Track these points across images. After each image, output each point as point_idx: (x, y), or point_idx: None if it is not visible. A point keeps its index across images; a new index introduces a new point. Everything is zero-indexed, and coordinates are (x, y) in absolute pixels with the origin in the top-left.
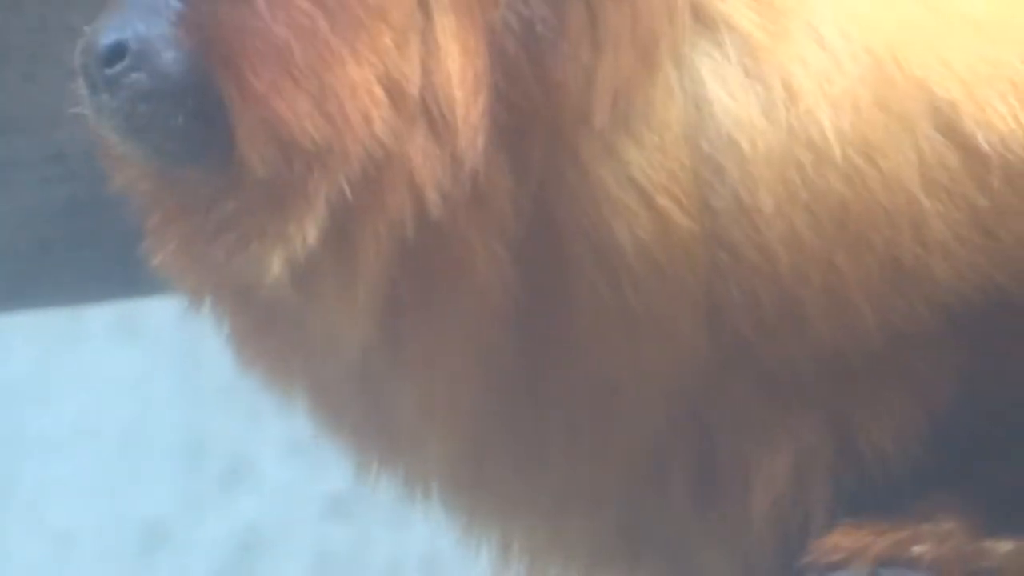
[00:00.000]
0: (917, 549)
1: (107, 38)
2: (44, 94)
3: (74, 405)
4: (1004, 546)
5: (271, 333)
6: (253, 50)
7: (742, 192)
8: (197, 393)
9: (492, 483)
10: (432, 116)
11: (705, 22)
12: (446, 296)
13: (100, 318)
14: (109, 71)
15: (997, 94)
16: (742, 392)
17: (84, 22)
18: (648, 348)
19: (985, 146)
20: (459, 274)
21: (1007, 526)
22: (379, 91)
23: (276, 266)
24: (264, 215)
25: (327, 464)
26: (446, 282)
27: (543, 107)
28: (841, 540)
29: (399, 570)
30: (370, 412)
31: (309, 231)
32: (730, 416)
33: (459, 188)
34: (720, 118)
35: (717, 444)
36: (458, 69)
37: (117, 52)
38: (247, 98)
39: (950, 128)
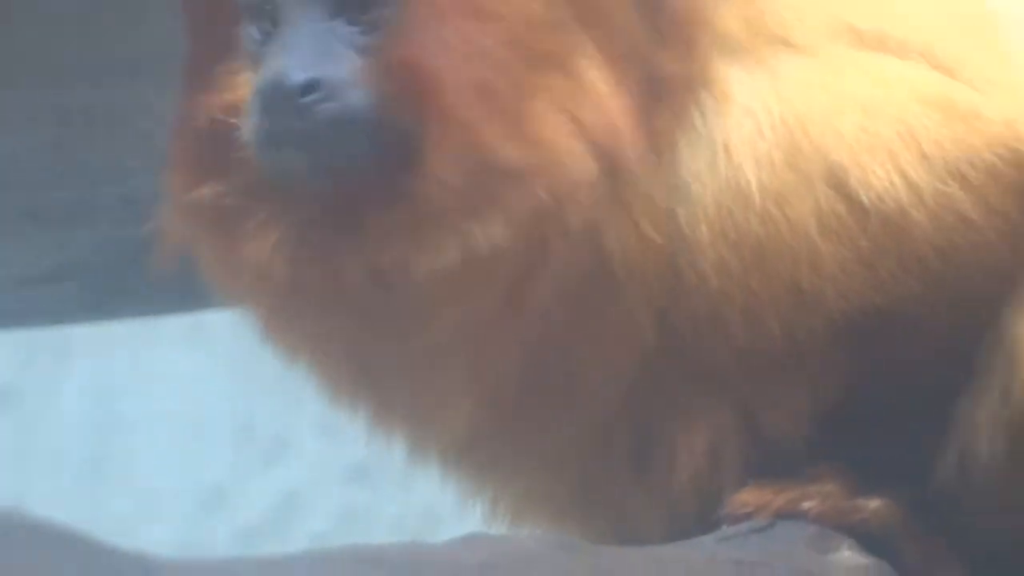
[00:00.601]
0: (806, 504)
1: (300, 75)
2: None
3: (153, 395)
4: (872, 503)
5: (329, 324)
6: (454, 87)
7: (687, 227)
8: (246, 387)
9: (485, 452)
10: (608, 147)
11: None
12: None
13: (172, 326)
14: (303, 100)
15: (876, 159)
16: (673, 383)
17: (153, 96)
18: (613, 340)
19: (866, 200)
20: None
21: (875, 487)
22: (567, 122)
23: (454, 256)
24: (449, 216)
25: (349, 440)
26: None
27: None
28: (748, 497)
29: (404, 523)
30: (406, 396)
31: (495, 232)
32: (663, 402)
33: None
34: (683, 168)
35: (651, 424)
36: (622, 105)
37: (311, 86)
38: (449, 122)
39: (840, 185)
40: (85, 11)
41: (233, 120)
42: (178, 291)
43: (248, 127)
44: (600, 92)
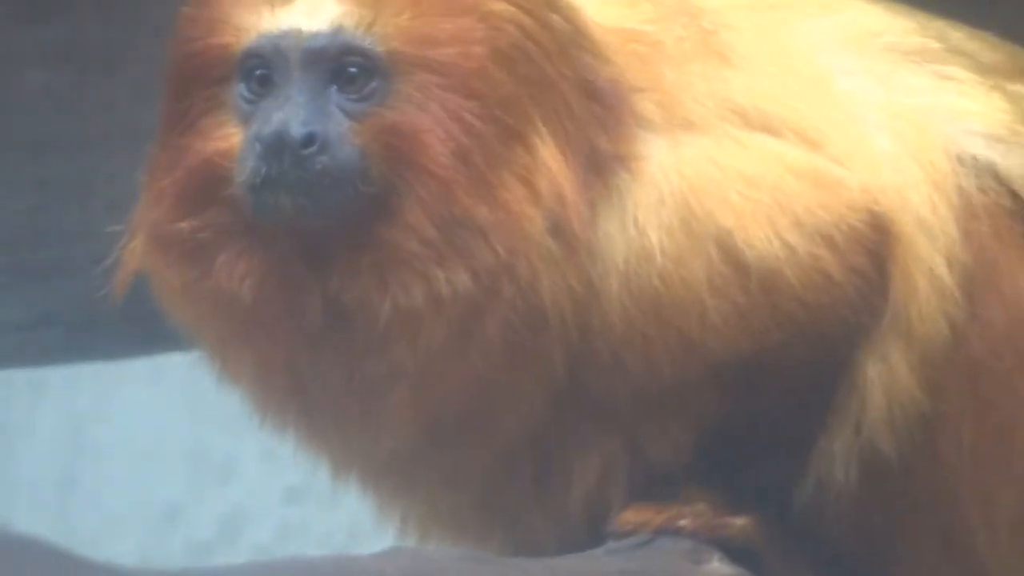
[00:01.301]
0: (682, 521)
1: (300, 130)
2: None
3: (116, 427)
4: (739, 520)
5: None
6: (437, 152)
7: (599, 281)
8: (198, 419)
9: (400, 474)
10: (554, 213)
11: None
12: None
13: (135, 368)
14: (303, 152)
15: (757, 225)
16: (574, 416)
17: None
18: (533, 376)
19: (748, 260)
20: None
21: (742, 507)
22: (525, 191)
23: (419, 297)
24: (420, 262)
25: (287, 465)
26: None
27: None
28: (632, 516)
29: (333, 537)
30: (338, 422)
31: (457, 282)
32: (563, 432)
33: (565, 268)
34: (600, 230)
35: (552, 451)
36: (567, 178)
37: (309, 140)
38: (429, 186)
39: (727, 247)
40: (63, 91)
41: (226, 164)
42: (140, 337)
43: (243, 171)
44: (552, 166)
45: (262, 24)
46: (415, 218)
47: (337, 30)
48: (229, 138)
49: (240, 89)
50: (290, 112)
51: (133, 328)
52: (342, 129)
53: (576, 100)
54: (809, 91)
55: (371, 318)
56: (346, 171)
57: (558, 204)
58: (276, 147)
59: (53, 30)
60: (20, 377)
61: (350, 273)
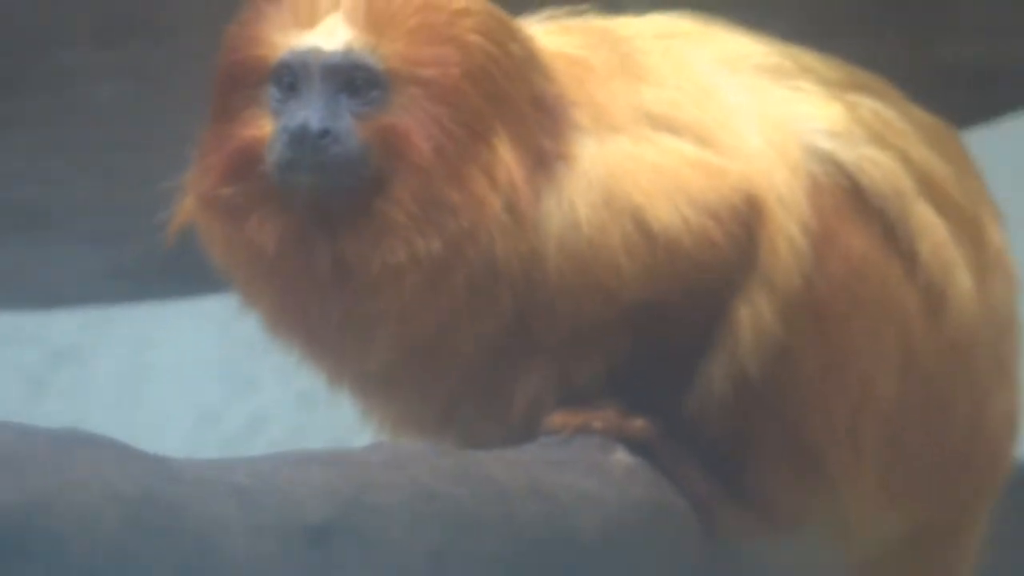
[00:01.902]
0: (595, 423)
1: (318, 124)
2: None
3: (168, 349)
4: (637, 422)
5: (304, 301)
6: (418, 147)
7: (541, 245)
8: (233, 344)
9: (383, 386)
10: (509, 197)
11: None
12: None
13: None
14: (320, 142)
15: (662, 203)
16: (517, 347)
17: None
18: (488, 317)
19: (654, 229)
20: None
21: (640, 413)
22: (487, 180)
23: (403, 256)
24: (405, 230)
25: (299, 377)
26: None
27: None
28: (558, 419)
29: (333, 435)
30: (336, 345)
31: (432, 246)
32: (509, 360)
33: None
34: (543, 208)
35: (499, 374)
36: (519, 171)
37: (325, 133)
38: (414, 173)
39: (638, 220)
40: (127, 102)
41: (260, 148)
42: (185, 283)
43: (273, 153)
44: (507, 161)
45: (291, 42)
46: (402, 197)
47: (349, 50)
48: (263, 128)
49: (272, 91)
50: (311, 111)
51: (180, 276)
52: (349, 127)
53: (528, 111)
54: (700, 101)
55: (366, 270)
56: (351, 159)
57: (511, 190)
58: (299, 137)
59: (120, 54)
60: (96, 312)
61: (351, 235)
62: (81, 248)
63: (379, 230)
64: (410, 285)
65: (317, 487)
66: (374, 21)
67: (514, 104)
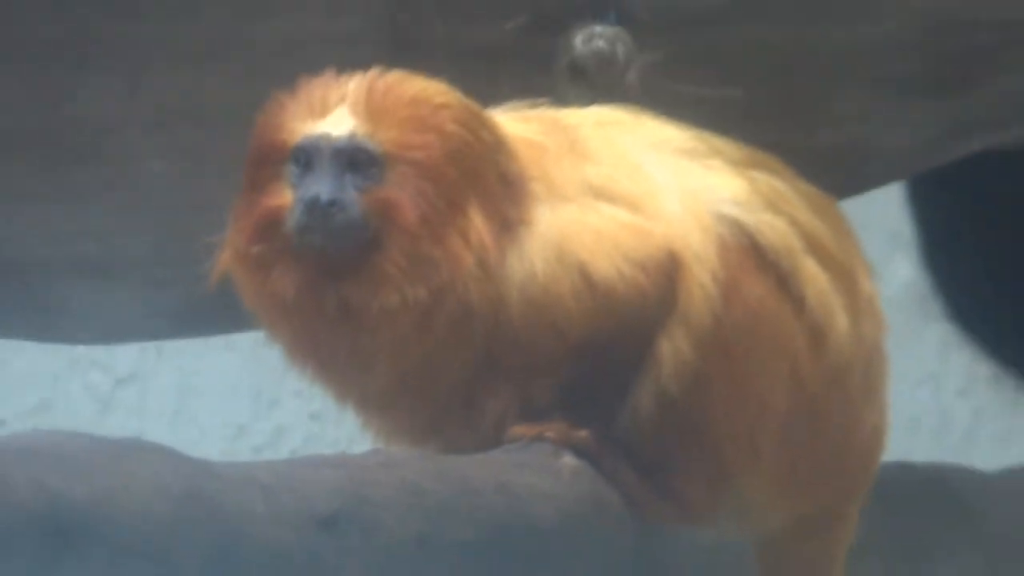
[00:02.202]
0: (548, 434)
1: (327, 196)
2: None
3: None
4: (582, 433)
5: (315, 333)
6: (414, 214)
7: (506, 294)
8: (258, 370)
9: (379, 405)
10: (480, 254)
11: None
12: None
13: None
14: (329, 210)
15: (602, 259)
16: (486, 374)
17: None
18: (465, 350)
19: (596, 281)
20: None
21: (584, 425)
22: (463, 241)
23: (395, 302)
24: (397, 280)
25: (312, 397)
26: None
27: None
28: (517, 431)
29: (339, 445)
30: (342, 372)
31: (419, 293)
32: (480, 384)
33: (485, 287)
34: (507, 264)
35: (472, 392)
36: (488, 234)
37: (332, 203)
38: (404, 235)
39: (583, 273)
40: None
41: (282, 214)
42: (224, 321)
43: (292, 219)
44: (479, 226)
45: (306, 129)
46: (394, 254)
47: (352, 136)
48: (284, 198)
49: (292, 168)
50: (322, 185)
51: (217, 316)
52: (352, 198)
53: (495, 185)
54: (631, 176)
55: (366, 312)
56: (354, 224)
57: (482, 249)
58: (312, 206)
59: (170, 137)
60: (151, 345)
61: (354, 285)
62: (138, 294)
63: (376, 281)
64: (401, 324)
65: (326, 484)
66: (372, 113)
67: (484, 180)
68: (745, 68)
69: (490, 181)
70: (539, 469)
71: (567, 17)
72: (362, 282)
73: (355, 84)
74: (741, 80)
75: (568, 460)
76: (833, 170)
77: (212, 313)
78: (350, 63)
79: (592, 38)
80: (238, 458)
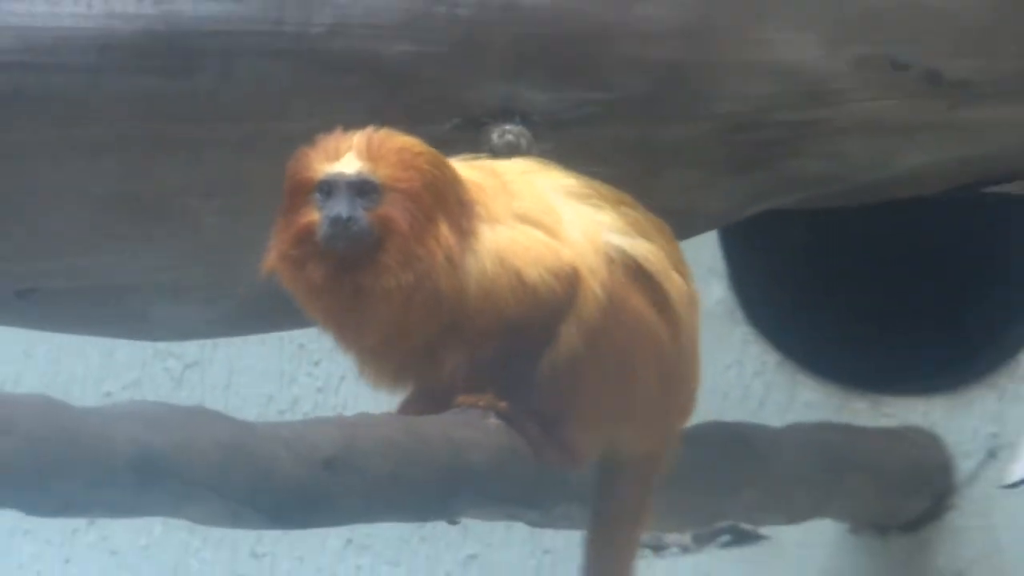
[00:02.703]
0: (479, 403)
1: (347, 213)
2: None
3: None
4: (502, 402)
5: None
6: (404, 225)
7: (464, 283)
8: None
9: (371, 355)
10: (447, 253)
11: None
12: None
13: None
14: (347, 223)
15: (528, 269)
16: (446, 339)
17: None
18: (434, 322)
19: (526, 282)
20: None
21: (504, 396)
22: (436, 243)
23: (392, 284)
24: (394, 269)
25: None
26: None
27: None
28: (459, 399)
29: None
30: (350, 331)
31: (408, 278)
32: (440, 347)
33: (450, 276)
34: (464, 264)
35: (436, 350)
36: (452, 238)
37: (349, 219)
38: (398, 241)
39: (518, 278)
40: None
41: (313, 228)
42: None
43: (320, 230)
44: (445, 233)
45: (327, 169)
46: (391, 252)
47: (359, 173)
48: (313, 217)
49: (317, 196)
50: (341, 207)
51: (255, 319)
52: (362, 215)
53: (455, 206)
54: (545, 210)
55: (371, 292)
56: (364, 232)
57: (448, 249)
58: (336, 221)
59: (223, 175)
60: (209, 341)
61: (364, 273)
62: (198, 307)
63: (380, 270)
64: (394, 300)
65: (328, 437)
66: (372, 157)
67: (448, 202)
68: (607, 155)
69: (452, 203)
70: (474, 426)
71: (487, 119)
72: (370, 271)
73: (359, 137)
74: (605, 161)
75: (493, 420)
76: (668, 222)
77: (249, 321)
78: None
79: (504, 134)
80: (268, 419)
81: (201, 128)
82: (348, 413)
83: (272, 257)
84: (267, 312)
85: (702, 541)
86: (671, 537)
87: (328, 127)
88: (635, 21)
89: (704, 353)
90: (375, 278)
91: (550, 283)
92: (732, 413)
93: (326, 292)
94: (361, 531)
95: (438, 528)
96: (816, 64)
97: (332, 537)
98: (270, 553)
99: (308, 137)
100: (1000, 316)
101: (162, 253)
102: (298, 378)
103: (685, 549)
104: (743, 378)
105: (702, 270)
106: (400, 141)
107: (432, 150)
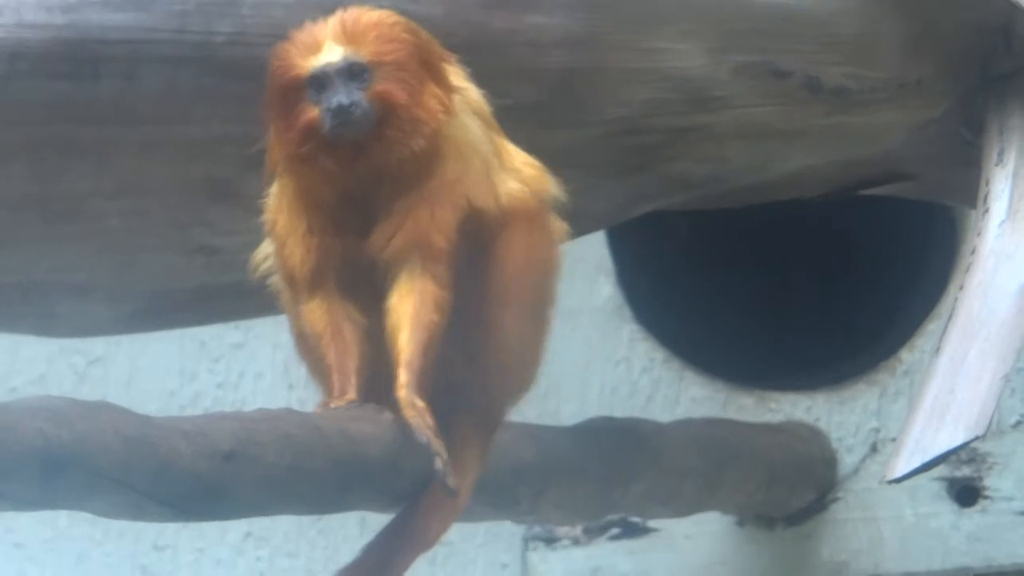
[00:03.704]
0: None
1: (347, 100)
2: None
3: None
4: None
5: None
6: (402, 95)
7: (455, 132)
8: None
9: (360, 226)
10: (443, 105)
11: None
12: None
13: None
14: (350, 109)
15: (490, 198)
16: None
17: None
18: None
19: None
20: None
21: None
22: (434, 101)
23: (407, 152)
24: (404, 137)
25: None
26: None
27: None
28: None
29: None
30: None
31: (419, 143)
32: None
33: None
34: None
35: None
36: (444, 95)
37: (350, 104)
38: (401, 112)
39: (470, 206)
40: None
41: (316, 122)
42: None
43: (324, 124)
44: (439, 91)
45: (311, 64)
46: (398, 124)
47: (346, 59)
48: (311, 111)
49: (309, 92)
50: (339, 96)
51: (154, 320)
52: (360, 97)
53: (439, 64)
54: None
55: (387, 165)
56: (366, 113)
57: (445, 103)
58: (339, 111)
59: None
60: (112, 338)
61: (377, 150)
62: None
63: (391, 143)
64: (408, 166)
65: (227, 431)
66: (352, 39)
67: (433, 62)
68: None
69: (436, 62)
70: (368, 421)
71: None
72: (382, 146)
73: (333, 23)
74: None
75: (387, 415)
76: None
77: (151, 318)
78: None
79: None
80: (170, 414)
81: (107, 132)
82: (248, 409)
83: (279, 159)
84: (169, 310)
85: (592, 534)
86: (562, 530)
87: (229, 132)
88: (526, 30)
89: (593, 350)
90: (388, 151)
91: (516, 188)
92: (621, 409)
93: (343, 178)
94: (261, 524)
95: (335, 520)
96: (699, 71)
97: (232, 530)
98: (171, 545)
99: (210, 141)
100: (882, 315)
101: (69, 253)
102: (199, 375)
103: (576, 541)
104: (631, 374)
105: (590, 268)
106: (373, 16)
107: (403, 18)
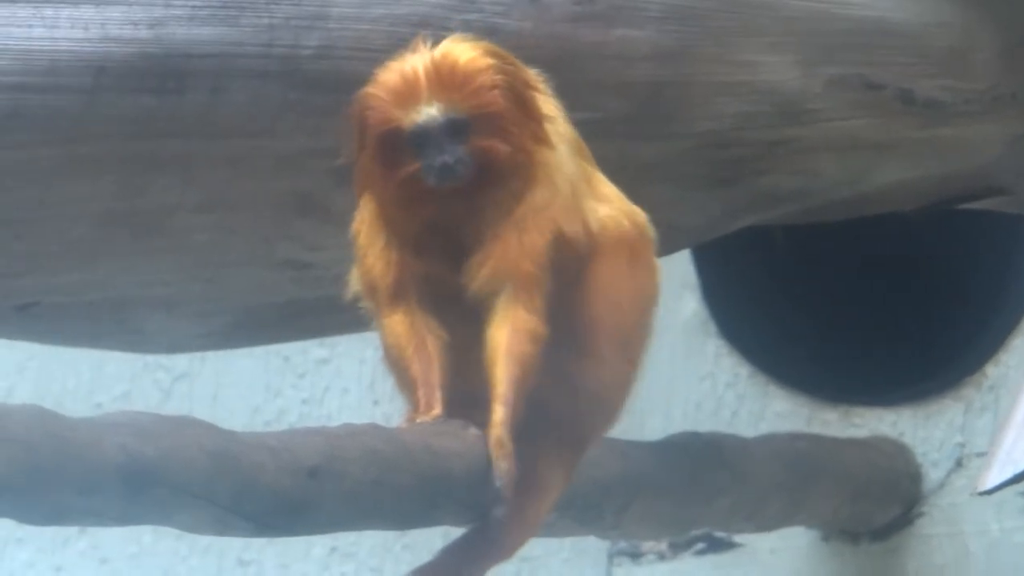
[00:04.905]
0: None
1: (451, 158)
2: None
3: None
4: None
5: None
6: (503, 147)
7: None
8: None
9: (453, 261)
10: (543, 140)
11: None
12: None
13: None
14: (455, 166)
15: (579, 224)
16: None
17: None
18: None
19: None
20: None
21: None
22: (532, 141)
23: (505, 193)
24: (498, 186)
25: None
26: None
27: None
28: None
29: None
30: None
31: (518, 187)
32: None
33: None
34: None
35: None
36: (541, 127)
37: (456, 161)
38: (502, 159)
39: (560, 233)
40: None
41: (418, 175)
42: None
43: (429, 177)
44: (535, 127)
45: (413, 119)
46: (498, 172)
47: (447, 116)
48: (412, 164)
49: (410, 145)
50: (444, 156)
51: (243, 337)
52: (462, 153)
53: (530, 94)
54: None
55: (479, 204)
56: (469, 167)
57: (543, 136)
58: (444, 169)
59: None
60: (198, 354)
61: (473, 192)
62: (190, 321)
63: (491, 186)
64: (507, 202)
65: (312, 447)
66: (449, 90)
67: (525, 96)
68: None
69: (529, 96)
70: (453, 436)
71: None
72: (482, 191)
73: (427, 69)
74: None
75: (472, 431)
76: None
77: (239, 335)
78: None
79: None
80: (254, 429)
81: (192, 146)
82: (332, 424)
83: (378, 201)
84: (257, 326)
85: (678, 549)
86: (647, 545)
87: (316, 145)
88: (615, 43)
89: (678, 365)
90: (487, 194)
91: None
92: (705, 424)
93: (443, 220)
94: (345, 539)
95: (420, 536)
96: (790, 84)
97: (317, 545)
98: (256, 560)
99: (296, 155)
100: (967, 329)
101: (157, 268)
102: (284, 390)
103: (661, 557)
104: (716, 390)
105: (675, 284)
106: (468, 62)
107: (492, 49)
